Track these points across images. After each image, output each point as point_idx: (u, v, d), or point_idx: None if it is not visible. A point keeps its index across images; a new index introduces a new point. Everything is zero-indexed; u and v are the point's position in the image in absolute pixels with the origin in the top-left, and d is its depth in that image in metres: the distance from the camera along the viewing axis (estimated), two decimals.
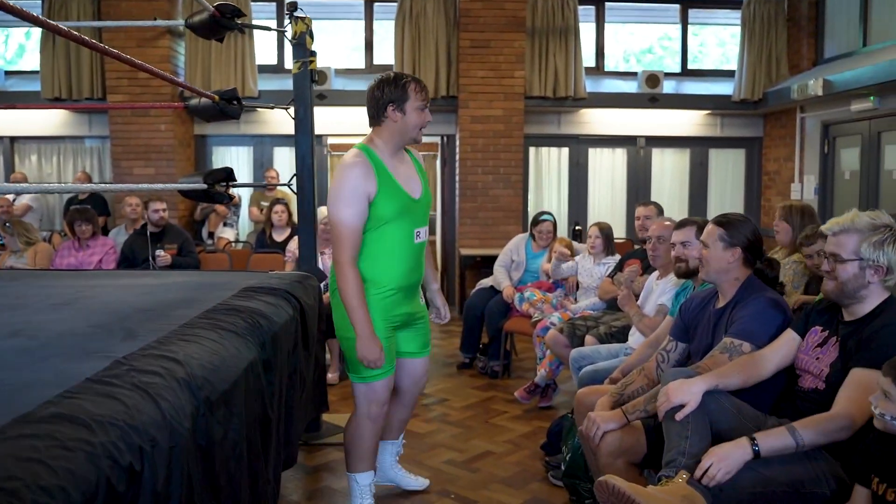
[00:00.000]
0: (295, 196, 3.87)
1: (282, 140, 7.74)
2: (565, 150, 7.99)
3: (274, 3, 7.77)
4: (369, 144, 2.68)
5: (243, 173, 7.78)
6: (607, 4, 7.97)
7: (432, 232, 6.98)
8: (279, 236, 6.02)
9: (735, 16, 7.75)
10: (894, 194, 6.13)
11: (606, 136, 7.94)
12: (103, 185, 7.35)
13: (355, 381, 2.78)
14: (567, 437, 3.08)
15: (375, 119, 2.67)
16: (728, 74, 7.92)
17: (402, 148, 2.76)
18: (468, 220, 7.31)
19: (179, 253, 5.39)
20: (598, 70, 7.98)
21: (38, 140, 7.80)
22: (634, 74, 7.86)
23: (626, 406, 2.39)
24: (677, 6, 8.04)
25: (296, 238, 4.51)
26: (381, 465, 3.14)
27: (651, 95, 7.53)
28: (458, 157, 7.39)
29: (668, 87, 7.70)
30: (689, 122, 7.94)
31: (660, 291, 3.39)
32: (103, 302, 2.70)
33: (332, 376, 4.85)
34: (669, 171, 8.14)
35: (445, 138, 7.87)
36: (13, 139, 7.76)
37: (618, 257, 4.64)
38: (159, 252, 5.23)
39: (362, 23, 7.82)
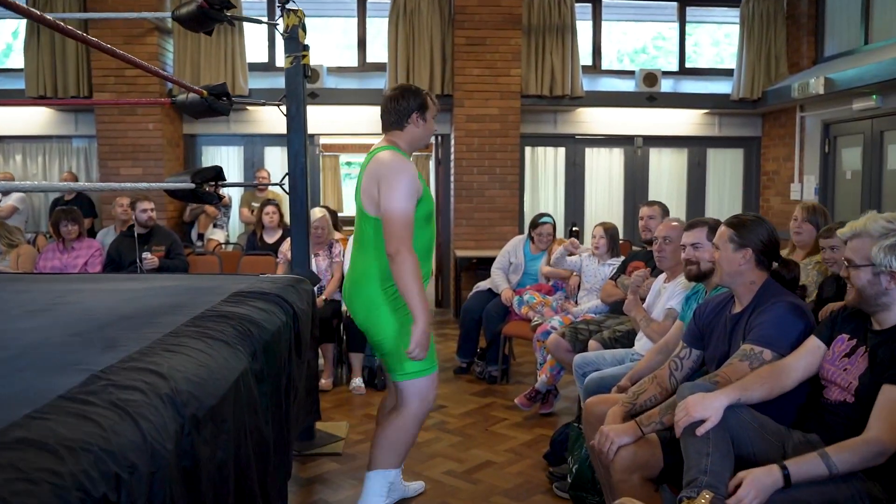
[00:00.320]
0: (287, 196, 3.74)
1: (273, 140, 7.61)
2: (562, 150, 7.88)
3: None
4: (399, 148, 2.80)
5: (234, 173, 7.64)
6: (604, 2, 7.85)
7: None
8: (270, 238, 5.89)
9: (734, 13, 7.66)
10: None
11: (603, 135, 7.85)
12: (87, 184, 7.17)
13: (404, 381, 2.79)
14: (573, 448, 2.96)
15: (398, 124, 2.81)
16: (726, 73, 7.82)
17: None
18: (463, 221, 7.18)
19: (167, 255, 5.23)
20: (595, 69, 7.86)
21: (23, 140, 7.63)
22: (632, 73, 7.75)
23: (640, 418, 2.26)
24: (675, 4, 7.94)
25: (288, 240, 4.38)
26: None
27: (649, 94, 7.42)
28: (453, 156, 7.26)
29: (665, 85, 7.59)
30: (686, 122, 7.85)
31: (668, 295, 3.24)
32: (84, 308, 2.55)
33: (325, 382, 4.71)
34: (667, 170, 8.05)
35: (440, 138, 7.75)
36: None
37: (622, 258, 4.52)
38: (146, 255, 5.06)
39: (355, 20, 7.67)
